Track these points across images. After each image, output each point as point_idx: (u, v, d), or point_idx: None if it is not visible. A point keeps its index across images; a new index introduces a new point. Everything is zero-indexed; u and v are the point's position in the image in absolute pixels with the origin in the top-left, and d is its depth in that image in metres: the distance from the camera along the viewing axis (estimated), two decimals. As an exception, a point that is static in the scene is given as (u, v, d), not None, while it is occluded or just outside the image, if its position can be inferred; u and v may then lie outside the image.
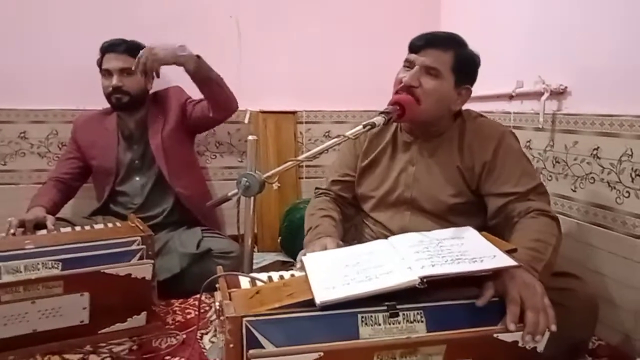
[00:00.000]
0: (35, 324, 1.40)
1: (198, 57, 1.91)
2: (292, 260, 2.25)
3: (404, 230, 1.38)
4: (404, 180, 1.45)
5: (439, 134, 1.44)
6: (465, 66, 1.39)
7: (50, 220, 1.71)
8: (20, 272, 1.39)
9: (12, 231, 1.60)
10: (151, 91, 2.11)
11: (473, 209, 1.40)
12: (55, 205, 1.91)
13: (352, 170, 1.55)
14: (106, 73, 2.01)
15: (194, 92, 2.08)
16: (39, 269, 1.40)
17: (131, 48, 2.00)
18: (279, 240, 2.34)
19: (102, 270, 1.42)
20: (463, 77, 1.39)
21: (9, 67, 2.24)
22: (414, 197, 1.43)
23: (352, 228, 1.60)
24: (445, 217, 1.40)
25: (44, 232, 1.63)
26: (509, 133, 1.42)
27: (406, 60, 1.39)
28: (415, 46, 1.38)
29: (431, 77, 1.35)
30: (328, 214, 1.46)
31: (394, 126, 1.50)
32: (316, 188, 1.63)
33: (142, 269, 1.48)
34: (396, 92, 1.37)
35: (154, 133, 2.06)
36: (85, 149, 2.08)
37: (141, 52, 1.85)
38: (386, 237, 1.40)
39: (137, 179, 2.07)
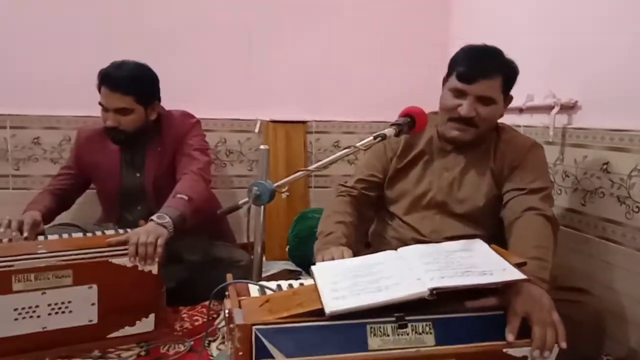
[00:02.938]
0: (45, 320, 1.43)
1: (177, 214, 1.68)
2: (299, 269, 2.25)
3: (435, 232, 1.45)
4: (437, 184, 1.49)
5: (477, 145, 1.50)
6: (511, 80, 1.48)
7: (40, 226, 1.71)
8: (31, 280, 1.41)
9: (14, 234, 1.61)
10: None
11: (498, 212, 1.45)
12: (50, 212, 1.85)
13: (380, 172, 1.58)
14: (102, 107, 1.82)
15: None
16: (48, 279, 1.43)
17: (129, 85, 1.79)
18: (287, 249, 2.35)
19: (109, 260, 1.47)
20: (508, 91, 1.49)
21: (23, 74, 2.28)
22: (445, 201, 1.47)
23: (372, 231, 1.62)
24: (475, 220, 1.46)
25: (55, 236, 1.64)
26: (539, 145, 1.51)
27: (456, 90, 1.43)
28: (467, 78, 1.41)
29: (485, 105, 1.41)
30: (343, 219, 1.46)
31: (430, 133, 1.53)
32: (339, 184, 1.63)
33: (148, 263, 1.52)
34: (451, 119, 1.44)
35: (149, 168, 1.93)
36: (88, 169, 1.98)
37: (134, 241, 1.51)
38: (415, 239, 1.44)
39: (139, 208, 1.98)
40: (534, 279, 1.02)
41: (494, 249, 1.09)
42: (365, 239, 1.64)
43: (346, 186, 1.59)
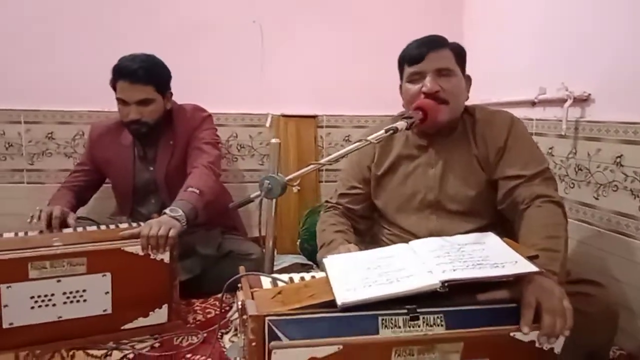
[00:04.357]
0: (60, 309, 1.46)
1: (189, 207, 1.68)
2: (311, 262, 2.26)
3: (432, 234, 1.39)
4: (425, 184, 1.45)
5: (452, 131, 1.46)
6: (462, 57, 1.45)
7: (71, 217, 1.73)
8: (46, 268, 1.44)
9: (42, 223, 1.63)
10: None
11: (491, 199, 1.41)
12: (73, 208, 1.87)
13: (359, 182, 1.56)
14: (120, 101, 1.84)
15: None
16: (63, 266, 1.45)
17: (148, 74, 1.81)
18: (298, 243, 2.36)
19: (122, 248, 1.49)
20: (463, 67, 1.45)
21: (37, 70, 2.31)
22: (438, 199, 1.44)
23: (369, 239, 1.60)
24: (471, 212, 1.41)
25: (70, 230, 1.67)
26: (517, 119, 1.45)
27: (413, 74, 1.42)
28: (417, 56, 1.41)
29: (446, 77, 1.39)
30: (340, 229, 1.46)
31: (405, 134, 1.50)
32: (326, 201, 1.63)
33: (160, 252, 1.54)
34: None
35: (161, 161, 1.95)
36: (102, 165, 2.01)
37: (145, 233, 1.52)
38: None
39: (153, 201, 2.01)
40: (544, 272, 1.02)
41: (506, 242, 1.09)
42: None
43: (331, 202, 1.59)
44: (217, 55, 2.45)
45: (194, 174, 1.84)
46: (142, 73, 1.80)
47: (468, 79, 1.48)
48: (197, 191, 1.74)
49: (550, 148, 1.89)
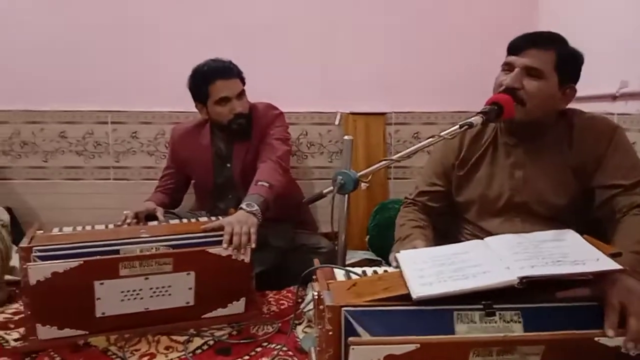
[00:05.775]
0: (147, 301, 1.55)
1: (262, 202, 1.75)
2: (379, 259, 2.27)
3: None
4: (511, 185, 1.41)
5: (544, 134, 1.39)
6: (569, 65, 1.35)
7: (160, 211, 1.85)
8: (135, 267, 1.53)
9: (128, 221, 1.76)
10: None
11: (582, 206, 1.36)
12: (165, 206, 1.99)
13: (440, 179, 1.53)
14: (222, 101, 1.94)
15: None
16: (151, 265, 1.53)
17: (236, 68, 1.98)
18: (366, 239, 2.38)
19: (206, 250, 1.56)
20: (567, 76, 1.35)
21: (122, 73, 2.47)
22: (525, 201, 1.39)
23: (446, 236, 1.58)
24: (558, 219, 1.35)
25: (155, 223, 1.78)
26: (621, 128, 1.37)
27: (505, 64, 1.37)
28: (515, 47, 1.35)
29: (533, 78, 1.31)
30: (419, 224, 1.45)
31: (493, 129, 1.46)
32: (405, 197, 1.62)
33: (242, 252, 1.59)
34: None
35: (237, 158, 2.04)
36: (184, 165, 2.12)
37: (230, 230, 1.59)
38: None
39: (230, 196, 2.08)
40: (630, 271, 0.99)
41: (586, 240, 1.06)
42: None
43: (410, 198, 1.57)
44: (288, 54, 2.51)
45: (262, 169, 1.90)
46: (233, 68, 1.96)
47: (571, 90, 1.38)
48: (267, 184, 1.80)
49: (633, 143, 1.79)
